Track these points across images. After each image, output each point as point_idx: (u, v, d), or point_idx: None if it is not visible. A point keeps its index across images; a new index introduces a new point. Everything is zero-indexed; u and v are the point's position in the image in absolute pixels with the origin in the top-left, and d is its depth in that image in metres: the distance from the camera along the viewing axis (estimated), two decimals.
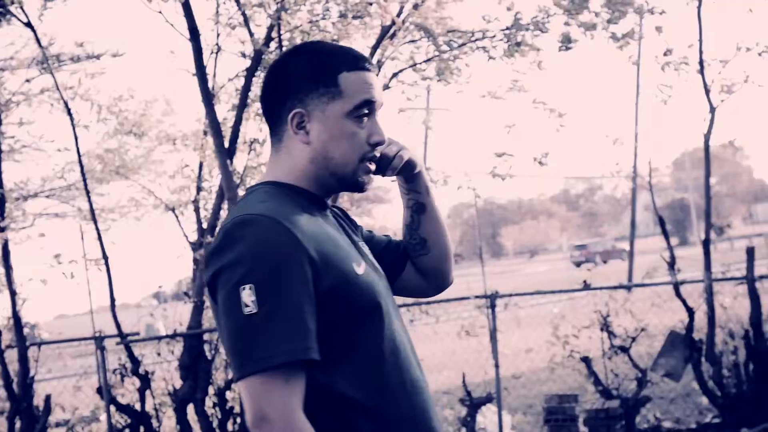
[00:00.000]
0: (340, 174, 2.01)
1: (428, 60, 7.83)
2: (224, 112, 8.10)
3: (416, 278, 2.29)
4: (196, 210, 8.46)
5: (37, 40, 7.91)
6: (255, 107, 7.68)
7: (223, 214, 7.67)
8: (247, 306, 1.79)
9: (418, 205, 2.24)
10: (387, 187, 48.55)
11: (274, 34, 7.45)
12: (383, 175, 2.13)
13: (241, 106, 7.46)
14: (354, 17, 7.77)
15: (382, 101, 2.05)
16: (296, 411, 1.78)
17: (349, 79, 1.98)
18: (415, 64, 7.84)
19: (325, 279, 1.87)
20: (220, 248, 1.86)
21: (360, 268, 1.95)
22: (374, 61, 7.81)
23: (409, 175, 2.21)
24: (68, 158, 12.00)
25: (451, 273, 2.33)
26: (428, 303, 7.82)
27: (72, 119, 7.59)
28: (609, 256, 48.35)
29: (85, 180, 7.95)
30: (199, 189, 8.59)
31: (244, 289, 1.80)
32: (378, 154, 2.05)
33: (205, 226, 8.02)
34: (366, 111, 2.00)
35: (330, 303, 1.87)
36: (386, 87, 7.80)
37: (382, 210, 48.71)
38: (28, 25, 7.72)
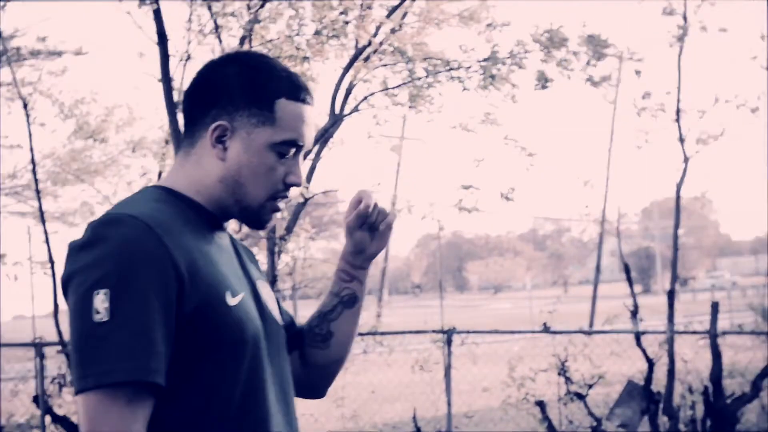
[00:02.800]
0: (245, 204, 1.83)
1: (401, 85, 7.66)
2: None
3: (296, 367, 1.99)
4: None
5: None
6: None
7: None
8: (98, 312, 1.58)
9: (351, 298, 2.00)
10: None
11: (246, 46, 7.25)
12: (369, 229, 1.92)
13: None
14: (330, 36, 7.60)
15: (311, 144, 1.87)
16: None
17: (287, 109, 1.81)
18: (387, 88, 7.66)
19: (192, 298, 1.66)
20: (82, 246, 1.65)
21: (234, 299, 1.73)
22: (346, 82, 7.64)
23: (364, 261, 1.99)
24: (29, 157, 11.69)
25: (330, 385, 2.08)
26: (383, 334, 7.61)
27: (28, 116, 7.28)
28: None
29: (36, 180, 7.65)
30: None
31: (98, 293, 1.59)
32: (287, 195, 1.85)
33: None
34: (292, 150, 1.82)
35: (190, 326, 1.66)
36: (356, 110, 7.61)
37: None
38: None
